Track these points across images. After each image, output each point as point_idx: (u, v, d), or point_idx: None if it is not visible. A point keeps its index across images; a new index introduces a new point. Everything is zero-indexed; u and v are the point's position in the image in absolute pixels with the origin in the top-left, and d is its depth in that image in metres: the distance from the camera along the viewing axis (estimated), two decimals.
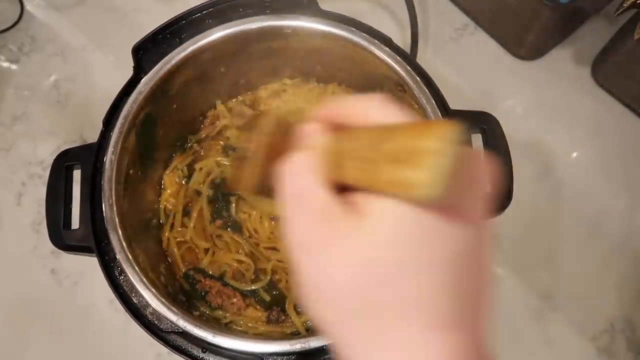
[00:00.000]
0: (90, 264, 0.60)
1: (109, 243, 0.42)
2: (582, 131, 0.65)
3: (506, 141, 0.45)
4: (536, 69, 0.68)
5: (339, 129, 0.25)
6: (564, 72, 0.68)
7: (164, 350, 0.58)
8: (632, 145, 0.64)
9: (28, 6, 0.72)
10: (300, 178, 0.24)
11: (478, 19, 0.70)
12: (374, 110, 0.24)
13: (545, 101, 0.67)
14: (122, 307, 0.58)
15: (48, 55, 0.70)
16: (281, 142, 0.27)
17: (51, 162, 0.64)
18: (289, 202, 0.25)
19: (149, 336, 0.58)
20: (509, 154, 0.45)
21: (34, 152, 0.65)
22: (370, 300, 0.22)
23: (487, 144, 0.45)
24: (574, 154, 0.64)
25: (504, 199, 0.43)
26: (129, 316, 0.58)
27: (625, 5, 0.54)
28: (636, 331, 0.57)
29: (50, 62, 0.69)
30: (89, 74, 0.69)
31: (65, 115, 0.66)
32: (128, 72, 0.47)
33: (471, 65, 0.68)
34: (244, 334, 0.41)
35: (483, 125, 0.45)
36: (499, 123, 0.46)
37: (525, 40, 0.65)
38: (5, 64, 0.69)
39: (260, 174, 0.28)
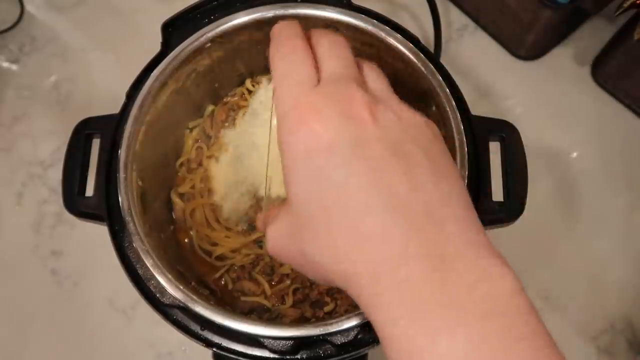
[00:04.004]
0: (90, 264, 0.61)
1: (120, 212, 0.42)
2: (582, 131, 0.65)
3: (525, 154, 0.44)
4: (536, 69, 0.68)
5: None
6: (564, 72, 0.68)
7: (164, 350, 0.58)
8: (632, 145, 0.64)
9: (28, 6, 0.72)
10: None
11: (478, 19, 0.70)
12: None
13: (545, 101, 0.67)
14: (122, 306, 0.59)
15: (48, 56, 0.70)
16: None
17: (51, 162, 0.65)
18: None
19: (148, 336, 0.58)
20: (526, 167, 0.44)
21: (34, 152, 0.65)
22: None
23: (504, 153, 0.44)
24: (574, 154, 0.64)
25: (516, 211, 0.43)
26: (128, 315, 0.59)
27: (625, 5, 0.54)
28: (636, 331, 0.57)
29: (51, 62, 0.69)
30: (89, 74, 0.69)
31: (66, 115, 0.66)
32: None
33: (471, 65, 0.68)
34: (244, 316, 0.40)
35: (502, 134, 0.45)
36: (519, 134, 0.45)
37: (525, 40, 0.65)
38: (6, 64, 0.69)
39: None
